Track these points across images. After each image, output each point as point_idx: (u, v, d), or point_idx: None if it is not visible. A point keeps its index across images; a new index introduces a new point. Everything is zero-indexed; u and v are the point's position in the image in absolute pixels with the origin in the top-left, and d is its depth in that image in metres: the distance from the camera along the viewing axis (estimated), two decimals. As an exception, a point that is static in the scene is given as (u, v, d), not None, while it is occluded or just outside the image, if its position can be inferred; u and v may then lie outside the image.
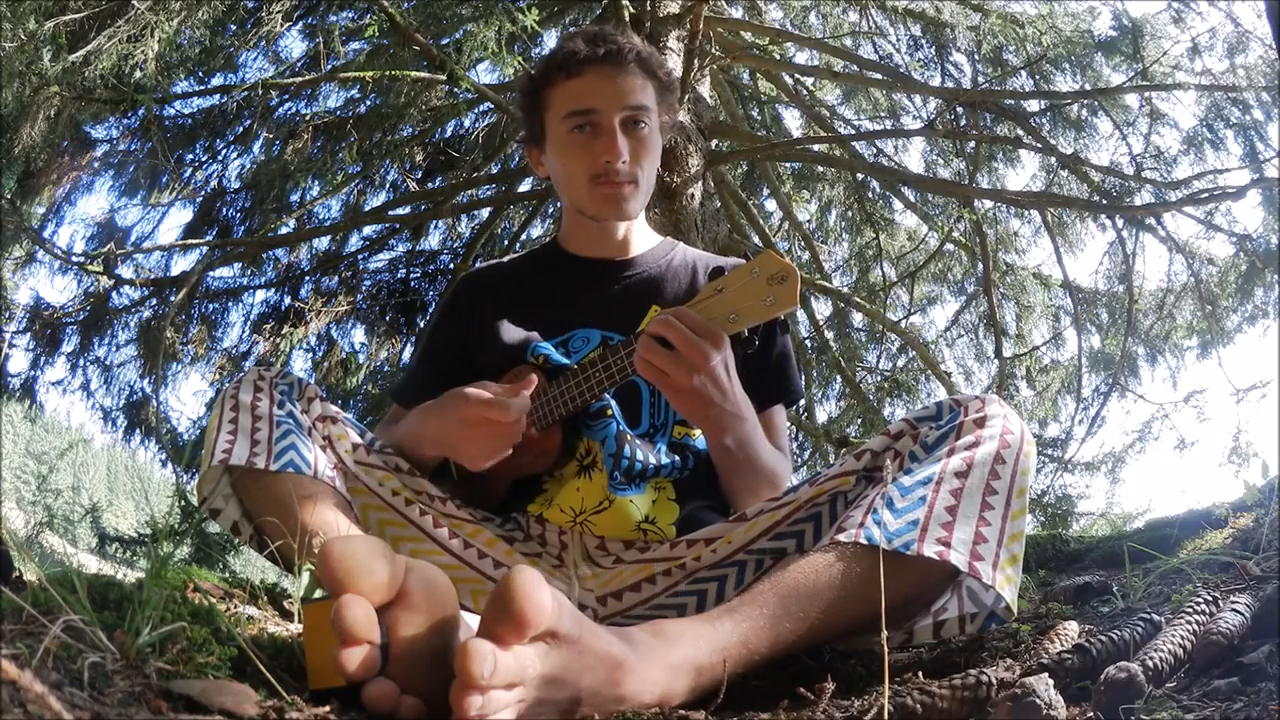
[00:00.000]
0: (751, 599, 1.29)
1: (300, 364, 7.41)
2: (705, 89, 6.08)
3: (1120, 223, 6.62)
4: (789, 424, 2.31)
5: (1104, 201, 6.18)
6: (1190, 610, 1.26)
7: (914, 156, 8.45)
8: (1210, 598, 1.31)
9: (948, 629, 1.52)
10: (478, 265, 2.62)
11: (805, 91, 8.12)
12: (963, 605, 1.50)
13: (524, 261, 2.31)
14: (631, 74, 2.01)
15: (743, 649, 1.21)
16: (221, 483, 1.81)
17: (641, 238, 2.22)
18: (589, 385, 1.81)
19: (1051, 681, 1.01)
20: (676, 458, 1.95)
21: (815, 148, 6.65)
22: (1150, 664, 1.09)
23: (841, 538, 1.36)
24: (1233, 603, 1.26)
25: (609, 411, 1.92)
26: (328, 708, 0.87)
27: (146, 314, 6.92)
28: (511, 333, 2.07)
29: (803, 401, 7.69)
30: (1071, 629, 1.42)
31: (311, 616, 0.98)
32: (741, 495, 1.91)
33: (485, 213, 7.67)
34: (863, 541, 1.33)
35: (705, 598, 1.68)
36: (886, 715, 0.95)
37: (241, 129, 6.96)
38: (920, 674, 1.18)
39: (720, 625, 1.22)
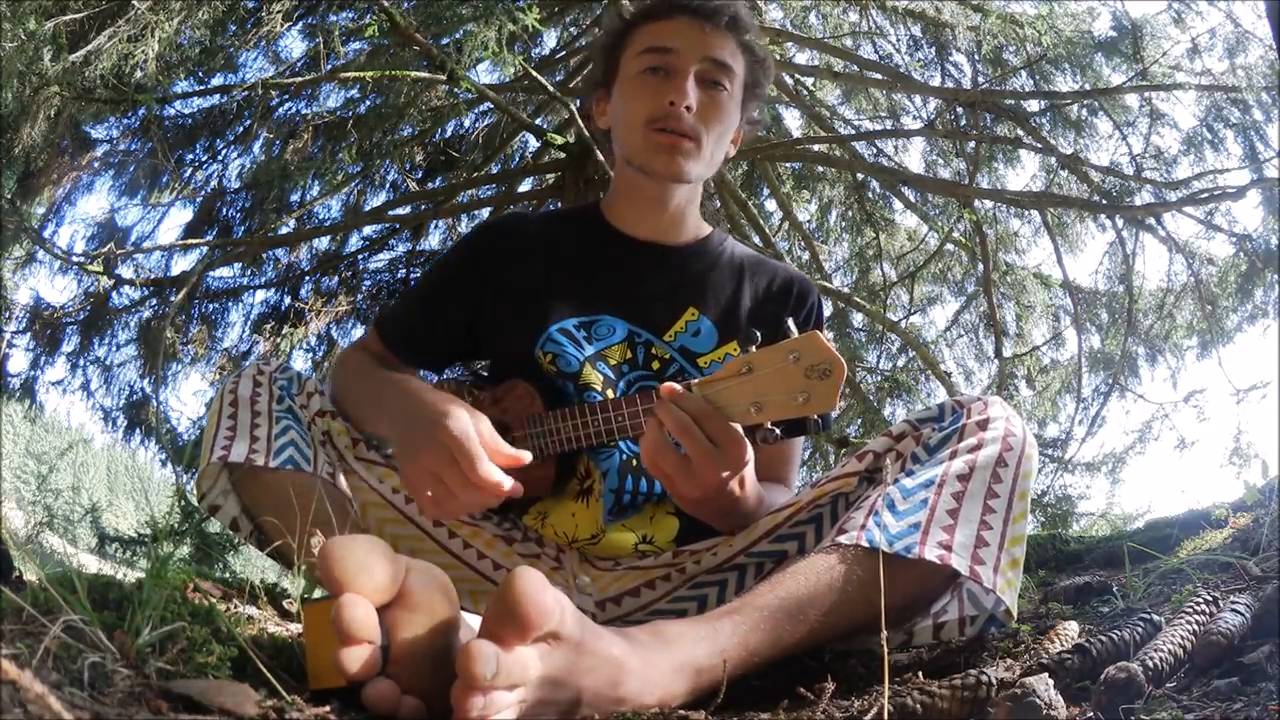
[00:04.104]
0: (751, 601, 1.28)
1: (300, 364, 7.41)
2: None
3: (1120, 223, 6.63)
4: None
5: (1104, 201, 6.18)
6: (1190, 610, 1.26)
7: (914, 156, 8.44)
8: (1210, 598, 1.32)
9: (947, 631, 1.51)
10: (504, 214, 2.41)
11: (805, 91, 8.11)
12: (963, 608, 1.49)
13: (558, 222, 2.10)
14: (723, 32, 1.87)
15: (742, 650, 1.20)
16: (221, 479, 1.79)
17: (692, 225, 2.04)
18: (588, 433, 1.68)
19: (1051, 681, 1.01)
20: None
21: (815, 147, 6.65)
22: (1150, 664, 1.09)
23: (843, 540, 1.35)
24: (1233, 603, 1.26)
25: (609, 451, 1.83)
26: (328, 708, 0.87)
27: (146, 314, 6.94)
28: (528, 301, 1.91)
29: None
30: (1071, 629, 1.42)
31: (311, 616, 0.98)
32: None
33: (485, 213, 7.67)
34: (864, 544, 1.32)
35: (705, 602, 1.67)
36: (886, 715, 0.95)
37: (242, 129, 6.97)
38: (920, 674, 1.18)
39: (720, 627, 1.21)
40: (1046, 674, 1.08)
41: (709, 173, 1.93)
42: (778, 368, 1.34)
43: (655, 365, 1.88)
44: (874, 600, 1.21)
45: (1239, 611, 1.22)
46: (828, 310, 8.14)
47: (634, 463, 1.83)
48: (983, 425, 1.46)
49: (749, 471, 1.54)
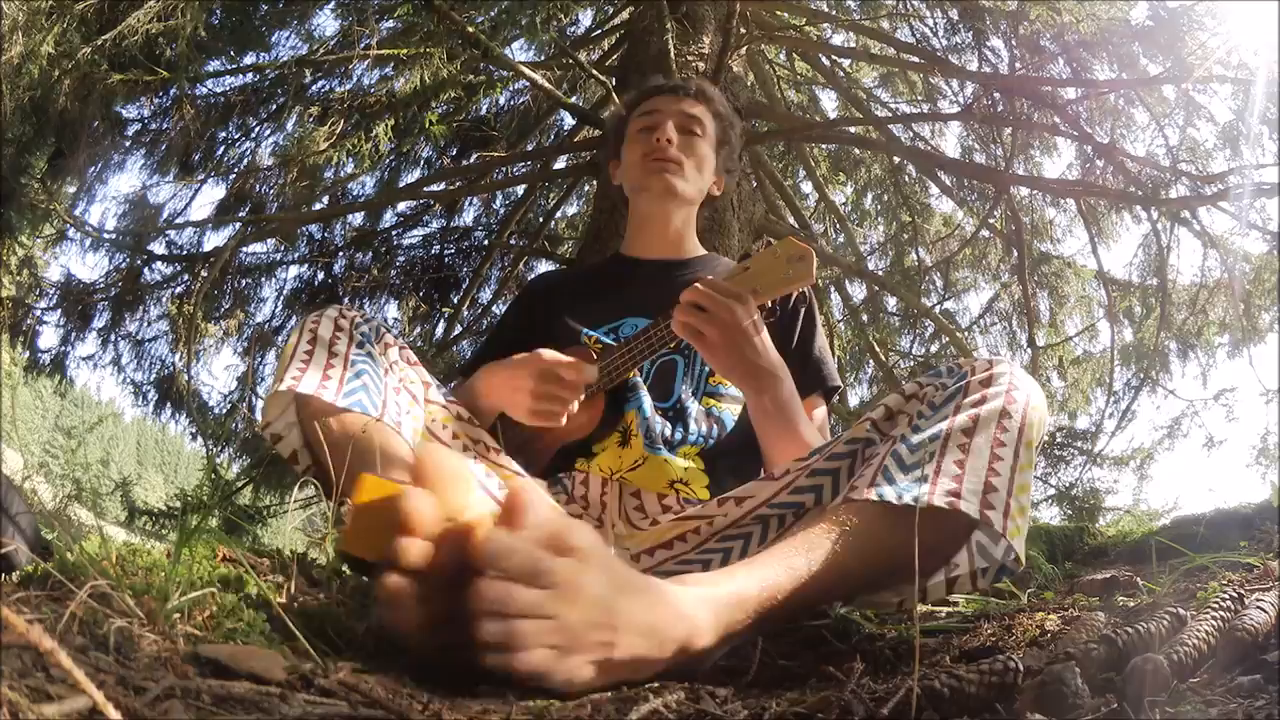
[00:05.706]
0: (767, 552, 1.32)
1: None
2: (741, 69, 6.04)
3: (1155, 215, 6.54)
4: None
5: (1140, 193, 6.11)
6: (1215, 606, 1.25)
7: (950, 141, 8.37)
8: (1236, 594, 1.30)
9: (960, 585, 1.56)
10: (549, 270, 2.95)
11: (842, 74, 8.06)
12: (974, 560, 1.54)
13: (588, 268, 2.67)
14: (693, 99, 2.47)
15: (761, 593, 1.21)
16: (288, 411, 1.81)
17: (692, 246, 2.52)
18: (632, 355, 2.02)
19: (1078, 670, 1.00)
20: (703, 427, 2.12)
21: (852, 130, 6.62)
22: (1175, 657, 1.08)
23: (853, 496, 1.40)
24: (1258, 601, 1.25)
25: (640, 390, 2.12)
26: (356, 667, 0.86)
27: (179, 289, 6.96)
28: (569, 325, 2.27)
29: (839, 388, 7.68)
30: (1098, 620, 1.41)
31: (372, 489, 0.98)
32: (779, 458, 1.94)
33: (520, 190, 7.68)
34: (873, 498, 1.37)
35: (730, 555, 1.72)
36: (915, 697, 0.95)
37: (275, 106, 6.94)
38: (948, 659, 1.18)
39: (737, 573, 1.24)
40: (1073, 662, 1.07)
41: (695, 194, 2.45)
42: (767, 262, 1.84)
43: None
44: (886, 554, 1.31)
45: (1264, 610, 1.21)
46: (861, 293, 8.12)
47: (658, 409, 2.15)
48: (986, 382, 1.51)
49: (766, 335, 1.87)
